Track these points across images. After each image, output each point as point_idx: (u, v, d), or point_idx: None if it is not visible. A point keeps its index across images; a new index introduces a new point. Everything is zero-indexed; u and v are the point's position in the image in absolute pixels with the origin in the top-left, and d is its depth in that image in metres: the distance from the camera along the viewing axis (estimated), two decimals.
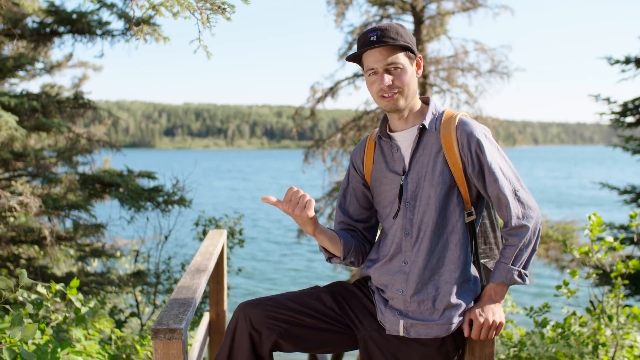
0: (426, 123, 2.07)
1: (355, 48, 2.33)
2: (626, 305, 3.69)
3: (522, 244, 2.00)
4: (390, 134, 2.14)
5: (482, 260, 2.20)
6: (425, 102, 2.15)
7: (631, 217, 3.62)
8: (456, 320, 2.02)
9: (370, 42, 1.99)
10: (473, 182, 2.04)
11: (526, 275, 2.02)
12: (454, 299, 2.02)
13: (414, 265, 2.05)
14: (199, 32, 2.57)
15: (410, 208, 2.06)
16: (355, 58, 2.08)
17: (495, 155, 2.03)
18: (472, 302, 2.08)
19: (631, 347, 3.48)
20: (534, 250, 2.03)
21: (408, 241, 2.06)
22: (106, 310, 6.05)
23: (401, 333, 2.05)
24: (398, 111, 2.07)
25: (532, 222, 2.01)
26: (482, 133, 2.03)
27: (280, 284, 17.63)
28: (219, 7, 2.50)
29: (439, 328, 2.02)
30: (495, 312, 2.01)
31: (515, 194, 2.01)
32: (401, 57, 2.01)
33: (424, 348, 2.05)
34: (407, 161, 2.09)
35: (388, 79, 2.00)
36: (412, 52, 2.04)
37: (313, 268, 19.42)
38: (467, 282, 2.06)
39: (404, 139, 2.11)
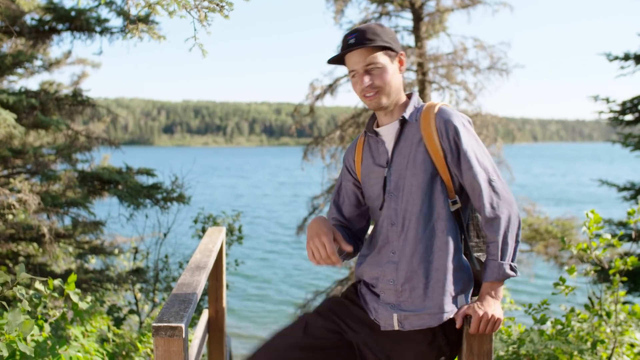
0: (406, 115, 2.11)
1: None
2: (626, 302, 3.69)
3: (503, 237, 2.01)
4: (376, 129, 2.19)
5: (475, 254, 2.21)
6: (409, 96, 2.20)
7: (629, 214, 3.63)
8: (448, 308, 2.04)
9: (349, 45, 2.05)
10: (454, 171, 2.07)
11: (516, 267, 2.04)
12: (444, 286, 2.04)
13: (402, 254, 2.07)
14: (195, 30, 2.58)
15: (394, 198, 2.10)
16: (339, 60, 2.13)
17: (472, 143, 2.05)
18: (463, 292, 2.09)
19: (631, 345, 3.48)
20: (517, 242, 2.05)
21: (394, 231, 2.09)
22: (105, 308, 6.05)
23: (396, 327, 2.07)
24: (382, 109, 2.12)
25: (505, 214, 2.02)
26: (460, 121, 2.07)
27: (275, 282, 17.64)
28: (217, 4, 2.50)
29: (430, 318, 2.03)
30: (493, 308, 2.02)
31: (490, 183, 2.03)
32: (380, 57, 2.06)
33: (417, 345, 2.06)
34: (390, 153, 2.14)
35: (367, 79, 2.06)
36: (392, 50, 2.08)
37: (310, 266, 19.43)
38: (457, 270, 2.07)
39: (388, 132, 2.16)
